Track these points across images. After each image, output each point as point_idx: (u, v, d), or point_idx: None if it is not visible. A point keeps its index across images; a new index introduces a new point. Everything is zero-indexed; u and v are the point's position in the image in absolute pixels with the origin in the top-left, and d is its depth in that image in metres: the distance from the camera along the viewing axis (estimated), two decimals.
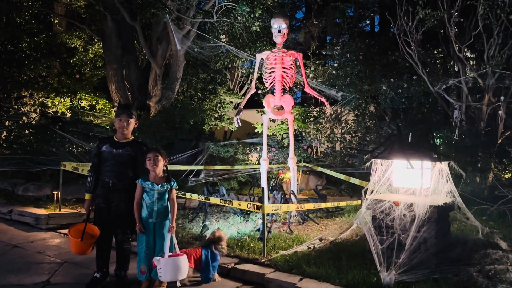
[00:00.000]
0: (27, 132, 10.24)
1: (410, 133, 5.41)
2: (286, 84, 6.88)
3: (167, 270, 4.32)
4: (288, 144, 8.19)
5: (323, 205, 6.31)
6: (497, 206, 6.60)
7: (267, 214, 6.60)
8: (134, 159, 4.60)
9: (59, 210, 7.43)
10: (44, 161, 8.81)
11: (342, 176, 7.89)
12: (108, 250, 4.68)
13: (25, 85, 11.91)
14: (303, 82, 7.21)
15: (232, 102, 12.66)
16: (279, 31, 6.68)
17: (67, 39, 12.62)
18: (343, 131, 11.14)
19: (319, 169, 8.63)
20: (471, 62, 9.29)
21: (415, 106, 10.27)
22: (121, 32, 11.29)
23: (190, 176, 8.53)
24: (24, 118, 11.24)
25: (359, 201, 6.56)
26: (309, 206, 6.04)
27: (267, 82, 6.95)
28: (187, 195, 6.19)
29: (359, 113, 10.81)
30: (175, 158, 9.13)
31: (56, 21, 13.31)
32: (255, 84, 7.55)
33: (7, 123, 11.01)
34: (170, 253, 4.47)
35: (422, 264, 4.49)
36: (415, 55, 8.78)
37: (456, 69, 9.22)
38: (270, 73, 6.91)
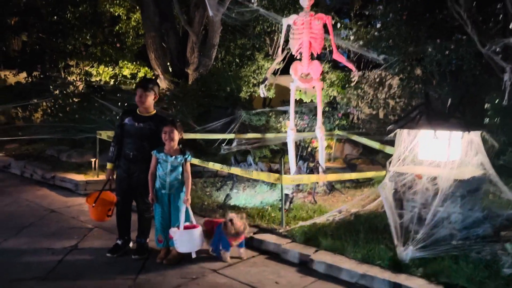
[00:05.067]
0: (71, 101, 10.67)
1: (450, 99, 5.07)
2: (314, 50, 6.58)
3: (183, 242, 4.43)
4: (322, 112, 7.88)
5: (346, 176, 6.09)
6: None
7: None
8: (155, 133, 4.64)
9: (97, 177, 7.78)
10: (86, 129, 9.19)
11: (376, 145, 7.58)
12: (128, 218, 4.86)
13: (70, 55, 12.35)
14: (332, 47, 6.85)
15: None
16: None
17: (109, 7, 12.84)
18: (386, 96, 10.64)
19: (353, 137, 8.33)
20: None
21: (466, 69, 9.55)
22: None
23: (223, 144, 8.57)
24: (71, 86, 11.71)
25: None
26: (331, 177, 5.85)
27: (293, 48, 6.68)
28: (210, 164, 6.18)
29: (404, 77, 10.24)
30: (210, 126, 9.20)
31: None
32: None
33: (56, 92, 11.52)
34: (187, 223, 4.55)
35: (443, 240, 4.28)
36: (464, 14, 8.08)
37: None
38: (297, 38, 6.61)
